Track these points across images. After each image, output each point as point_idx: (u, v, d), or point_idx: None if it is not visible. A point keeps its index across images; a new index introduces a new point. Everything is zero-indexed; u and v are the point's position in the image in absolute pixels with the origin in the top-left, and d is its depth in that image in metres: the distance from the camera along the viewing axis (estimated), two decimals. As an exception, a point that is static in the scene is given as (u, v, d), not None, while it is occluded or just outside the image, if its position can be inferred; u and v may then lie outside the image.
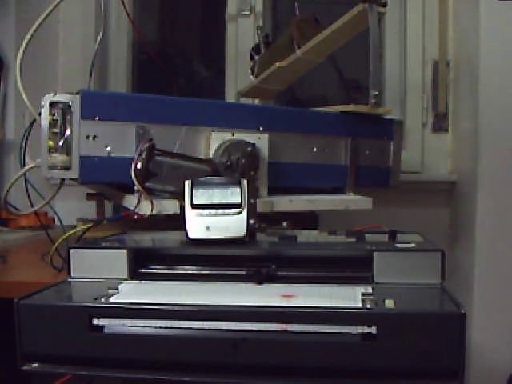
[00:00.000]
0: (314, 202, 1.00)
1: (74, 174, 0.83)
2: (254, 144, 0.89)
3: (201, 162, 0.88)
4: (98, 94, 0.92)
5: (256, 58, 1.33)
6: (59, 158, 0.82)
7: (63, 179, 0.86)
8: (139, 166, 0.79)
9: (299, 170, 1.01)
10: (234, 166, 0.87)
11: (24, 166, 0.87)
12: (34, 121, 0.85)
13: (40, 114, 0.83)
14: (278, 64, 1.19)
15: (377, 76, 0.98)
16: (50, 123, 0.82)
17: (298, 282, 0.66)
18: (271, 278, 0.66)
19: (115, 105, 0.86)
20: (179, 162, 0.84)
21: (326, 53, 1.16)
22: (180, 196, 0.78)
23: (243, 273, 0.67)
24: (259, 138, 0.92)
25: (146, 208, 0.81)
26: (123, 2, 1.30)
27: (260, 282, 0.65)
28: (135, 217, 0.81)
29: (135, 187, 0.81)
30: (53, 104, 0.82)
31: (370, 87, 1.00)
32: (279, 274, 0.67)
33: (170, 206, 0.84)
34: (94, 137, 0.83)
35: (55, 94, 0.82)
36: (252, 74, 1.34)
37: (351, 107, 1.03)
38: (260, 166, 0.90)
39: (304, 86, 1.70)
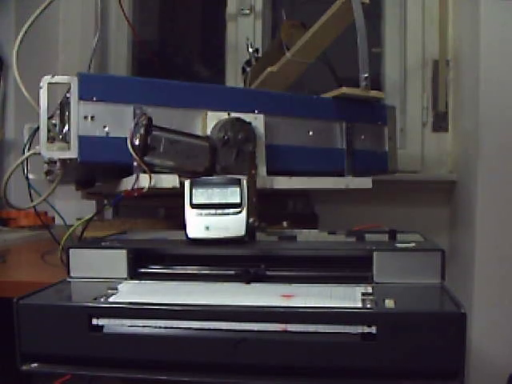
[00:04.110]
0: (313, 179, 1.00)
1: (73, 153, 0.83)
2: (250, 122, 0.89)
3: (198, 138, 0.87)
4: (96, 76, 0.95)
5: (248, 69, 1.34)
6: (58, 145, 0.83)
7: (62, 174, 0.86)
8: (137, 140, 0.78)
9: (297, 153, 1.01)
10: (232, 142, 0.86)
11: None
12: (38, 128, 0.85)
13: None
14: (269, 69, 1.18)
15: (365, 59, 0.99)
16: (48, 127, 0.83)
17: (298, 281, 0.65)
18: (261, 278, 0.66)
19: (113, 86, 0.86)
20: (177, 137, 0.83)
21: (316, 52, 1.15)
22: (179, 171, 0.77)
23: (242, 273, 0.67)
24: (255, 118, 0.92)
25: (144, 181, 0.81)
26: (121, 6, 1.30)
27: (248, 282, 0.65)
28: (135, 194, 0.80)
29: (134, 163, 0.81)
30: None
31: (359, 70, 1.00)
32: (279, 274, 0.67)
33: (168, 180, 0.83)
34: (92, 117, 0.84)
35: (53, 76, 0.83)
36: (245, 85, 1.34)
37: (343, 89, 1.03)
38: (258, 144, 0.90)
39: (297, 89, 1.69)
